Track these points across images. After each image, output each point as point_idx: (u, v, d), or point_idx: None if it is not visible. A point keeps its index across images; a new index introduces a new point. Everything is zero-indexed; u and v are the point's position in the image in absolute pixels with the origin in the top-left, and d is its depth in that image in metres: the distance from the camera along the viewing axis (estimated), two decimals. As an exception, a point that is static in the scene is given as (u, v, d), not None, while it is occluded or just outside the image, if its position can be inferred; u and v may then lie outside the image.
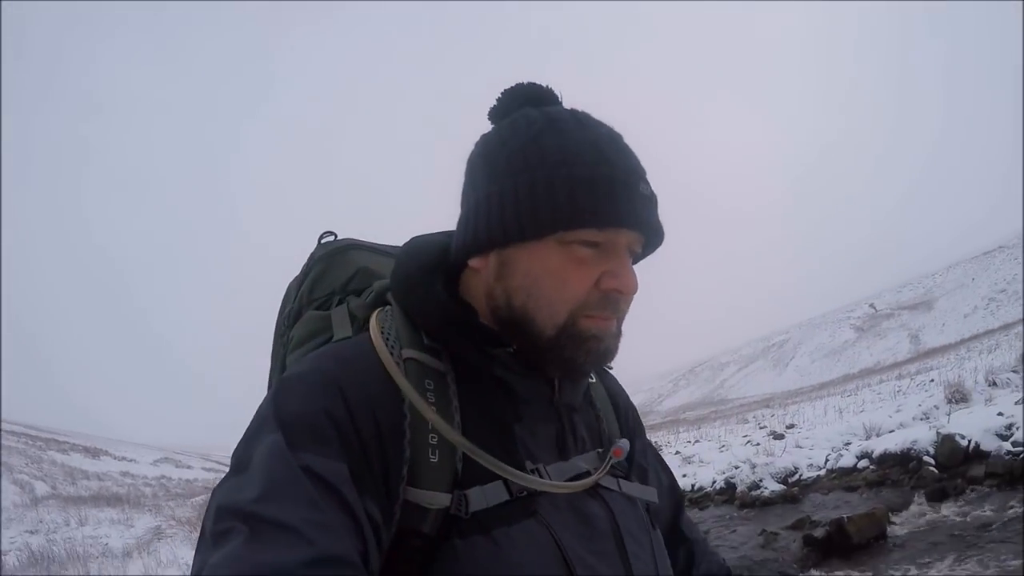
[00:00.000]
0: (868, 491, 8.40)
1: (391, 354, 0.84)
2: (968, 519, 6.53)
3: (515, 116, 0.89)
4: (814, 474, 9.71)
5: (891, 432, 9.96)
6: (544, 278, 0.82)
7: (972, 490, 7.32)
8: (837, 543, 6.48)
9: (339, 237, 1.13)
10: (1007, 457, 7.42)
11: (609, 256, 0.84)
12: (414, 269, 0.91)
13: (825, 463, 9.79)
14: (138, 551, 11.77)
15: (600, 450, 0.97)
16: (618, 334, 0.89)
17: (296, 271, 1.12)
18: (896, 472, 8.51)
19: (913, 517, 7.09)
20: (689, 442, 18.12)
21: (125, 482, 23.35)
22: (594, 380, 1.07)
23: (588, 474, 0.90)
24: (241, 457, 0.75)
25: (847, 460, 9.45)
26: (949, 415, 9.53)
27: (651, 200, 0.86)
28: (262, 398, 0.84)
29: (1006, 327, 30.98)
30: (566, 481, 0.87)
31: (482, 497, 0.79)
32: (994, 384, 11.61)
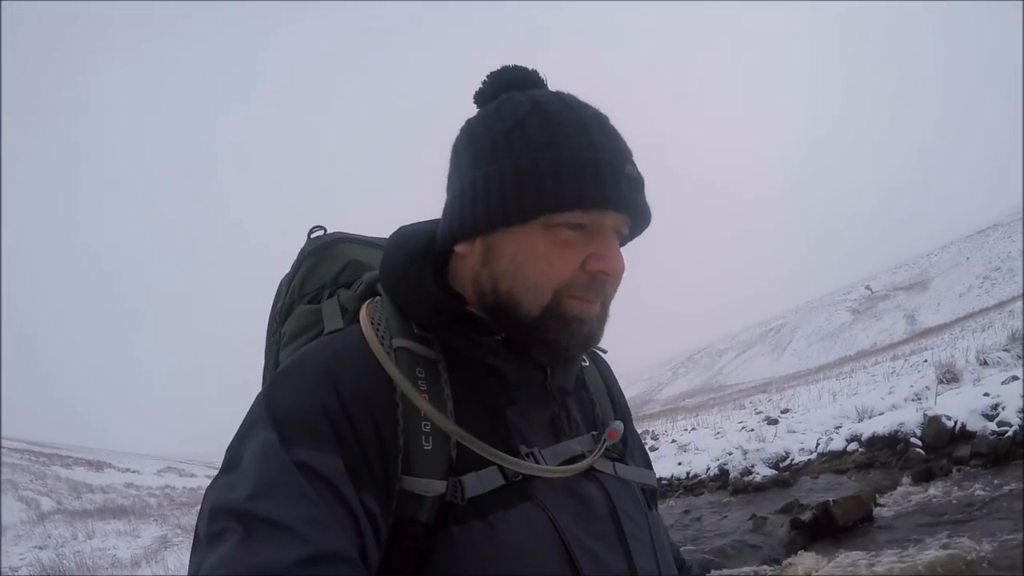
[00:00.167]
0: (857, 474, 8.52)
1: (381, 344, 0.84)
2: (953, 499, 6.62)
3: (500, 100, 0.89)
4: (805, 458, 9.83)
5: (881, 415, 10.06)
6: (530, 262, 0.82)
7: (958, 470, 7.42)
8: (824, 526, 6.60)
9: (328, 231, 1.14)
10: (992, 437, 7.52)
11: (595, 238, 0.83)
12: (402, 259, 0.91)
13: (816, 447, 9.92)
14: (146, 560, 11.94)
15: (595, 433, 0.97)
16: (603, 317, 0.88)
17: (288, 267, 1.12)
18: (884, 454, 8.64)
19: (900, 498, 7.19)
20: (686, 430, 18.32)
21: (130, 493, 23.46)
22: (587, 364, 1.08)
23: (583, 457, 0.90)
24: (233, 455, 0.75)
25: (837, 444, 9.58)
26: (935, 397, 9.63)
27: (637, 182, 0.85)
28: (256, 396, 0.83)
29: (1000, 305, 31.20)
30: (560, 464, 0.86)
31: (477, 483, 0.79)
32: (985, 363, 11.82)
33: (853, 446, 9.28)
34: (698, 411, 26.59)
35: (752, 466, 9.99)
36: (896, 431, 8.74)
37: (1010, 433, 7.43)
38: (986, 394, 8.32)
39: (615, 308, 0.91)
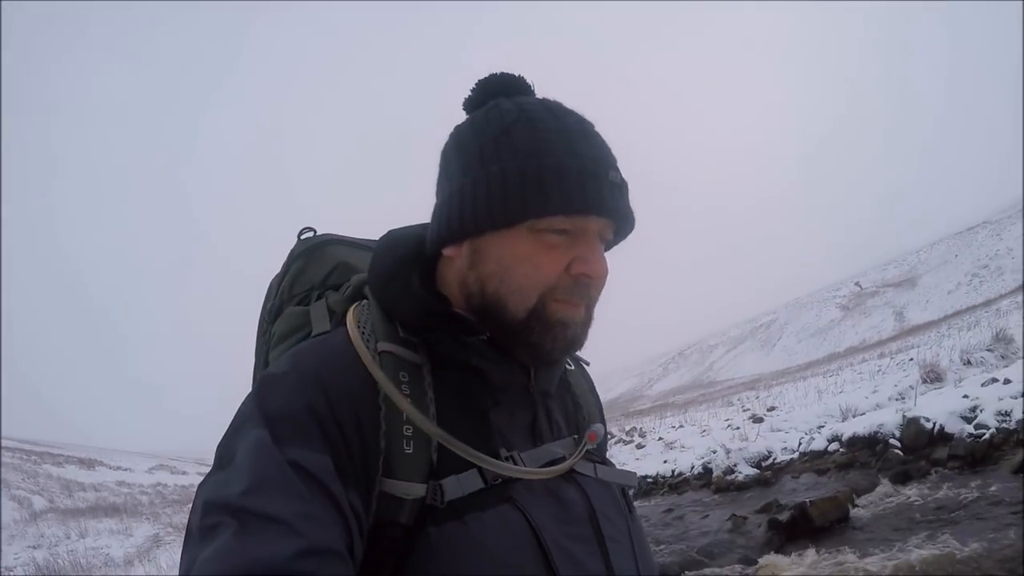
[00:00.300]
0: (837, 474, 8.59)
1: (367, 347, 0.86)
2: (928, 501, 6.70)
3: (488, 107, 0.91)
4: (788, 457, 9.89)
5: (862, 415, 10.12)
6: (516, 264, 0.84)
7: (935, 472, 7.48)
8: (801, 526, 6.67)
9: (318, 232, 1.16)
10: (969, 440, 7.56)
11: (579, 242, 0.86)
12: (390, 263, 0.93)
13: (799, 446, 9.98)
14: (139, 559, 12.01)
15: (576, 436, 0.99)
16: (587, 322, 0.90)
17: (271, 267, 1.15)
18: (864, 455, 8.71)
19: (877, 499, 7.28)
20: (673, 427, 18.37)
21: (121, 491, 23.40)
22: (572, 367, 1.10)
23: (564, 459, 0.92)
24: (225, 452, 0.77)
25: (819, 443, 9.65)
26: (916, 398, 9.73)
27: (621, 188, 0.88)
28: (246, 394, 0.85)
29: (988, 303, 31.41)
30: (540, 467, 0.89)
31: (457, 486, 0.81)
32: (969, 363, 11.89)
33: (834, 446, 9.37)
34: (687, 408, 26.69)
35: (735, 465, 10.07)
36: (876, 432, 8.82)
37: (987, 436, 7.49)
38: (965, 396, 8.38)
39: (602, 309, 0.93)
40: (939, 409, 8.40)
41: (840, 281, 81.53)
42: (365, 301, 0.96)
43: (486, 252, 0.86)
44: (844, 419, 10.49)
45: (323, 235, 1.15)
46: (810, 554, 6.07)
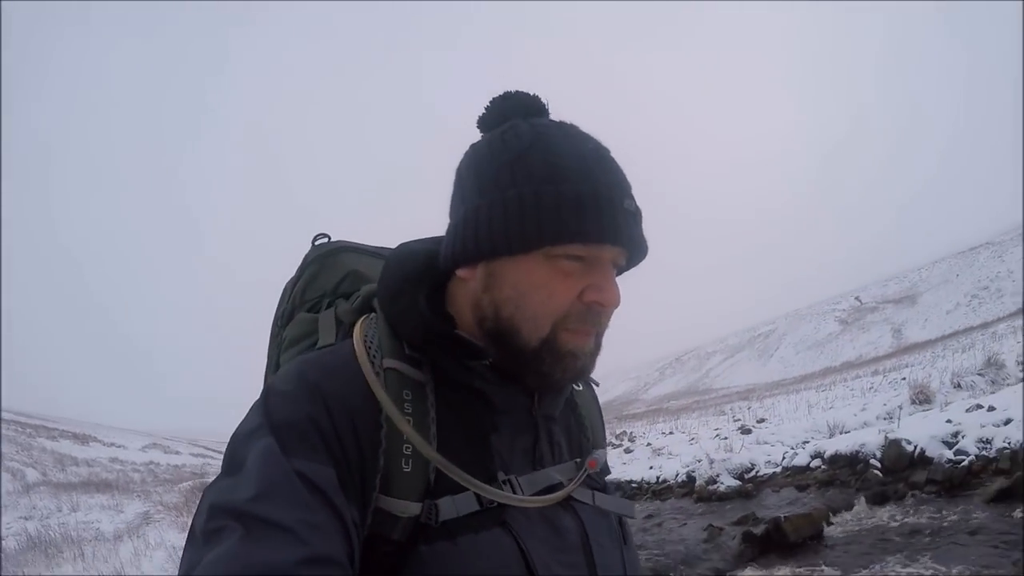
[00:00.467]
0: (817, 491, 8.64)
1: (372, 364, 0.86)
2: (902, 524, 6.73)
3: (504, 128, 0.90)
4: (770, 471, 9.93)
5: (848, 432, 10.15)
6: (531, 291, 0.84)
7: (912, 495, 7.48)
8: (775, 541, 6.74)
9: (332, 239, 1.16)
10: (947, 465, 7.57)
11: (593, 270, 0.85)
12: (399, 279, 0.93)
13: (782, 460, 10.01)
14: (128, 535, 12.15)
15: (578, 460, 0.98)
16: (596, 350, 0.90)
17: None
18: (844, 473, 8.75)
19: (852, 519, 7.34)
20: (663, 433, 18.49)
21: (114, 468, 23.44)
22: (580, 387, 1.09)
23: (562, 486, 0.92)
24: (233, 459, 0.77)
25: (802, 459, 9.68)
26: (900, 419, 9.78)
27: (635, 216, 0.87)
28: (256, 394, 0.86)
29: (985, 325, 31.49)
30: (537, 493, 0.88)
31: (452, 507, 0.81)
32: (959, 386, 11.88)
33: (816, 463, 9.40)
34: (679, 414, 26.83)
35: (717, 475, 10.13)
36: (858, 451, 8.87)
37: (966, 463, 7.50)
38: (949, 420, 8.39)
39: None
40: (922, 432, 8.42)
41: (841, 295, 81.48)
42: (374, 314, 0.96)
43: (501, 276, 0.86)
44: (831, 435, 10.53)
45: (336, 242, 1.15)
46: (782, 570, 6.17)
